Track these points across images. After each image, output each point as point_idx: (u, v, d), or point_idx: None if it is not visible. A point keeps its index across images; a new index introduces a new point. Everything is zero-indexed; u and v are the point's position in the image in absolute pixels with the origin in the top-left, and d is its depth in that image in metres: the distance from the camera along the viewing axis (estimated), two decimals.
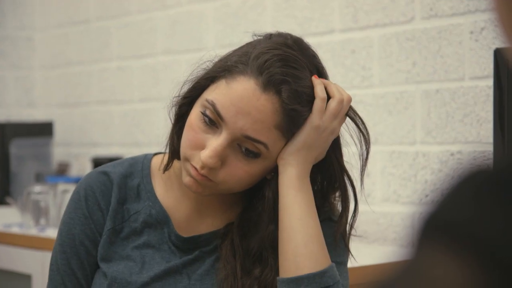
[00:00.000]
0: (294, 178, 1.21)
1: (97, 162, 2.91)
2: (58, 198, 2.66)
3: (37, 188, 2.71)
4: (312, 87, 1.20)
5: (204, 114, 1.18)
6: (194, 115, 1.20)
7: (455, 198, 0.43)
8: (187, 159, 1.20)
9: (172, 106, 1.26)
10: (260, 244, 1.23)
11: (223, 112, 1.16)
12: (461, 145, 2.12)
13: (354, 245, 2.29)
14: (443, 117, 2.16)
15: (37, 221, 2.66)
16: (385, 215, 2.28)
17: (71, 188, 2.61)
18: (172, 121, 1.26)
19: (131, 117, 3.13)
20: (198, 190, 1.21)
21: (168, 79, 2.91)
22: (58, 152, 3.42)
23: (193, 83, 1.23)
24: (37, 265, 2.47)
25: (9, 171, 3.21)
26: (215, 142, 1.17)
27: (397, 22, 2.26)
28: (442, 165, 2.15)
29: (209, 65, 1.24)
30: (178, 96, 1.25)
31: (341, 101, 1.23)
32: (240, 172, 1.19)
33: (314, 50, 1.26)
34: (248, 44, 1.23)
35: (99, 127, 3.28)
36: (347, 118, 1.28)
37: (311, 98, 1.20)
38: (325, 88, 1.23)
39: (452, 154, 2.14)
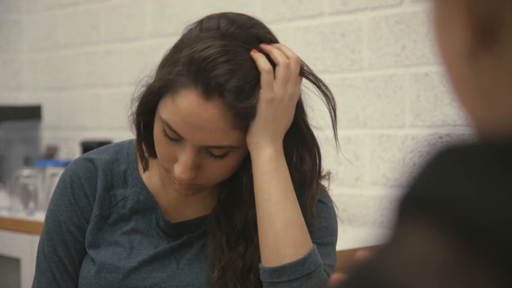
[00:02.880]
0: (268, 160, 1.19)
1: (86, 146, 2.90)
2: (47, 181, 2.65)
3: (26, 171, 2.70)
4: (255, 67, 1.17)
5: (164, 132, 1.18)
6: (157, 131, 1.20)
7: (429, 174, 0.44)
8: (167, 170, 1.22)
9: (132, 124, 1.26)
10: (243, 223, 1.24)
11: (178, 130, 1.16)
12: (450, 128, 2.13)
13: (343, 228, 2.30)
14: (432, 101, 2.16)
15: (26, 205, 2.66)
16: (374, 199, 2.29)
17: (60, 171, 2.61)
18: (136, 136, 1.26)
19: (120, 100, 3.12)
20: (188, 194, 1.23)
21: (156, 62, 2.89)
22: (47, 135, 3.41)
23: (140, 103, 1.22)
24: (26, 248, 2.47)
25: None
26: (183, 156, 1.17)
27: (386, 6, 2.26)
28: (431, 148, 2.16)
29: (148, 80, 1.22)
30: (132, 114, 1.25)
31: (286, 66, 1.19)
32: (219, 169, 1.20)
33: (255, 18, 1.22)
34: (180, 44, 1.19)
35: (87, 110, 3.27)
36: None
37: (257, 78, 1.17)
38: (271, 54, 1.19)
39: (441, 137, 2.15)
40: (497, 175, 0.42)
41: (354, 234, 2.20)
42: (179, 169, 1.17)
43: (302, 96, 1.25)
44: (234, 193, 1.26)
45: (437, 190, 0.43)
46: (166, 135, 1.18)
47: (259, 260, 1.22)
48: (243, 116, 1.15)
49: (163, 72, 1.18)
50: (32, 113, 3.31)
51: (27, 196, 2.66)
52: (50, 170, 2.70)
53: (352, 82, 2.33)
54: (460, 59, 0.48)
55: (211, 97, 1.13)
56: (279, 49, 1.20)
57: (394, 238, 0.44)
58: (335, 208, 1.31)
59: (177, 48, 1.19)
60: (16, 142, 3.20)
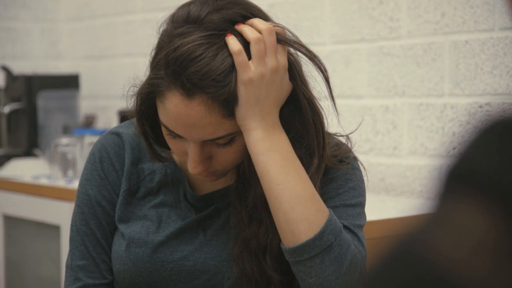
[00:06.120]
0: (258, 142, 1.16)
1: (124, 115, 2.92)
2: (85, 150, 2.68)
3: (65, 140, 2.73)
4: (228, 52, 1.14)
5: (167, 131, 1.18)
6: (163, 130, 1.20)
7: (478, 148, 0.43)
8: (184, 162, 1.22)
9: (138, 132, 1.26)
10: (253, 202, 1.22)
11: (175, 130, 1.16)
12: (490, 97, 2.09)
13: (380, 198, 2.29)
14: (472, 69, 2.13)
15: (64, 173, 2.69)
16: (412, 168, 2.27)
17: None
18: (145, 143, 1.26)
19: None
20: (213, 180, 1.24)
21: None
22: (85, 104, 3.43)
23: (137, 112, 1.22)
24: (66, 216, 2.50)
25: (36, 123, 3.23)
26: (190, 152, 1.18)
27: None
28: (471, 117, 2.13)
29: (134, 90, 1.24)
30: (135, 127, 1.26)
31: (258, 41, 1.14)
32: (231, 155, 1.19)
33: None
34: (159, 44, 1.20)
35: (125, 79, 3.28)
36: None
37: (233, 62, 1.14)
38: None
39: (480, 106, 2.12)
40: None
41: (392, 203, 2.19)
42: (190, 165, 1.18)
43: (304, 66, 1.21)
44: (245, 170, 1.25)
45: (486, 167, 0.42)
46: (169, 134, 1.19)
47: (273, 241, 1.20)
48: (227, 104, 1.14)
49: (149, 77, 1.20)
50: (71, 82, 3.34)
51: (66, 164, 2.69)
52: (88, 138, 2.73)
53: (390, 50, 2.31)
54: None
55: (193, 95, 1.12)
56: (251, 24, 1.16)
57: (441, 212, 0.43)
58: (362, 169, 1.29)
59: (157, 49, 1.20)
60: (54, 111, 3.23)
